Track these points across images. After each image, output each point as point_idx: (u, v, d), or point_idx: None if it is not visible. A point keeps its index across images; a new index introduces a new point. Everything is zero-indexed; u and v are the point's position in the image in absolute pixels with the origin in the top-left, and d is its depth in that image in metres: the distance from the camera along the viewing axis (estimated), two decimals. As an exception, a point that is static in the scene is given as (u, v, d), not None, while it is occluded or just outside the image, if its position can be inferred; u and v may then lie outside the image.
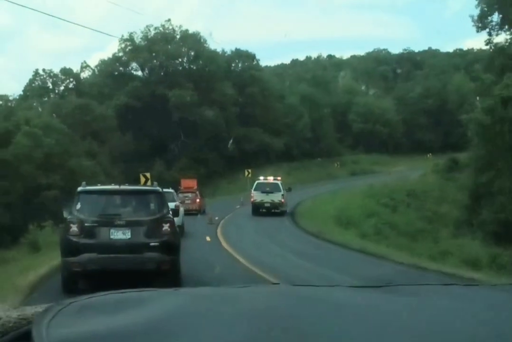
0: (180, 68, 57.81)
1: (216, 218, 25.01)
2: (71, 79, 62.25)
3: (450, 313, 1.01)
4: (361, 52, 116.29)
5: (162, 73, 57.30)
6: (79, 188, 9.52)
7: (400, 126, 78.66)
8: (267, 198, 27.62)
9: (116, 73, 57.52)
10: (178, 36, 58.24)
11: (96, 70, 58.68)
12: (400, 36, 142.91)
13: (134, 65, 58.27)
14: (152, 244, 9.00)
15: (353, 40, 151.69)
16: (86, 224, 9.00)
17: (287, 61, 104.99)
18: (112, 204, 9.61)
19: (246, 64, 62.90)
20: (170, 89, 53.15)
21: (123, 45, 57.55)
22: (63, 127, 36.38)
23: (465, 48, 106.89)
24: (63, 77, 62.04)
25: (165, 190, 12.72)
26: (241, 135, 56.21)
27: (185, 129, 53.25)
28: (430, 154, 70.95)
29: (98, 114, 44.98)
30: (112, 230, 9.03)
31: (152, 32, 57.57)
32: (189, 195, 29.83)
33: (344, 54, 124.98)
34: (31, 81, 59.41)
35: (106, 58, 58.50)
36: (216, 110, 54.08)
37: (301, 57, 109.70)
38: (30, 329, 0.91)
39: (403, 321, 0.96)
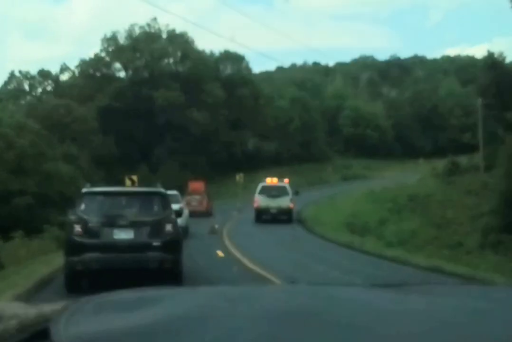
0: (167, 68, 55.06)
1: (216, 226, 21.83)
2: (50, 81, 59.50)
3: (466, 313, 1.00)
4: (347, 60, 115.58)
5: (147, 74, 54.51)
6: (84, 189, 9.75)
7: (391, 130, 77.71)
8: (273, 203, 24.60)
9: (98, 73, 54.59)
10: (164, 36, 55.59)
11: (76, 71, 55.62)
12: (383, 45, 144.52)
13: (117, 65, 55.39)
14: (154, 243, 9.15)
15: (337, 49, 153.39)
16: (89, 224, 9.20)
17: (271, 68, 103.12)
18: (116, 205, 9.71)
19: (235, 66, 60.72)
20: (156, 90, 50.42)
21: (105, 45, 54.75)
22: (38, 127, 33.31)
23: (450, 56, 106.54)
24: (40, 79, 59.46)
25: (169, 192, 12.81)
26: (231, 138, 53.83)
27: (171, 132, 50.49)
28: (422, 158, 70.15)
29: (78, 116, 41.93)
30: (115, 230, 9.21)
31: (137, 31, 54.83)
32: (197, 197, 30.58)
33: (329, 61, 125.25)
34: (6, 84, 56.47)
35: (87, 58, 55.46)
36: (205, 112, 51.44)
37: (286, 65, 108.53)
38: (48, 326, 0.92)
39: (419, 320, 0.95)
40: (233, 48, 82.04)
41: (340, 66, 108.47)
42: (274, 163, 56.11)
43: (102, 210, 9.46)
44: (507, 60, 52.17)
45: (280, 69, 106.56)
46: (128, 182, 19.15)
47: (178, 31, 55.55)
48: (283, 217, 24.63)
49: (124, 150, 46.99)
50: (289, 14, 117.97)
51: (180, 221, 11.68)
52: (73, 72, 55.94)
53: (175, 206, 12.02)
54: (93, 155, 41.36)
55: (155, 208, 9.64)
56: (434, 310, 0.99)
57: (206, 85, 52.89)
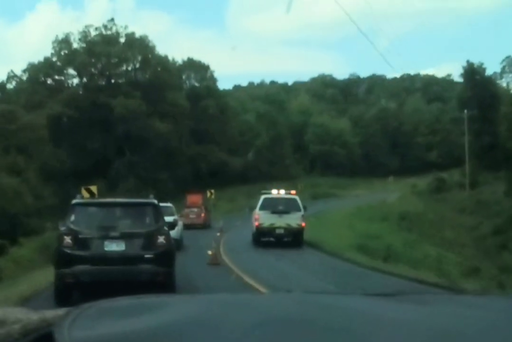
0: (126, 75, 50.32)
1: (210, 252, 15.67)
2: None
3: (461, 322, 1.00)
4: (305, 79, 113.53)
5: (103, 80, 49.59)
6: (74, 201, 9.53)
7: (357, 148, 75.42)
8: (280, 222, 19.55)
9: (48, 79, 49.29)
10: (122, 40, 50.90)
11: (24, 76, 50.12)
12: (339, 66, 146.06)
13: (70, 70, 50.22)
14: (146, 256, 9.01)
15: (294, 70, 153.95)
16: (80, 236, 9.03)
17: (229, 87, 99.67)
18: (107, 216, 9.52)
19: (199, 75, 56.71)
20: (114, 98, 45.54)
21: (57, 48, 49.58)
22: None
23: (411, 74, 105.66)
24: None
25: (163, 204, 12.86)
26: (196, 152, 49.40)
27: (131, 144, 45.64)
28: (392, 176, 68.19)
29: (25, 123, 36.65)
30: (106, 242, 9.04)
31: (92, 34, 49.97)
32: (195, 210, 30.99)
33: (288, 80, 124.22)
34: None
35: (36, 62, 50.00)
36: (168, 123, 46.85)
37: (243, 83, 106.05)
38: (51, 331, 0.94)
39: (415, 329, 0.96)
40: (197, 56, 78.01)
41: (299, 84, 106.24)
42: (241, 180, 52.13)
43: (93, 222, 9.24)
44: (483, 73, 50.29)
45: (238, 87, 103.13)
46: (85, 193, 16.93)
47: (137, 34, 51.08)
48: (289, 238, 19.76)
49: (78, 162, 41.72)
50: (242, 38, 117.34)
51: (173, 233, 11.75)
52: (20, 77, 50.40)
53: (169, 219, 11.97)
54: (42, 167, 36.09)
55: (147, 219, 9.45)
56: (429, 319, 0.96)
57: (169, 93, 48.45)
